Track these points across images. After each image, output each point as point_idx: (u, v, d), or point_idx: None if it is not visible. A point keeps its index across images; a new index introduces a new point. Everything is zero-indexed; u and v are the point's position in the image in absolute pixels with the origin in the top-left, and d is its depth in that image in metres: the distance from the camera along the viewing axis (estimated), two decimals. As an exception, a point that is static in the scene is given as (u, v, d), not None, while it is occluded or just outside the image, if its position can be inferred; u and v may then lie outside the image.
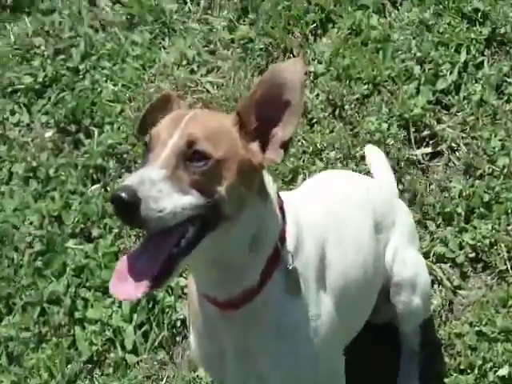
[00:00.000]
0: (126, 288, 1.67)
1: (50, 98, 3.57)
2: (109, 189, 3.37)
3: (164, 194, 1.63)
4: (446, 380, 2.69)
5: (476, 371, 2.66)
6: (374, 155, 2.99)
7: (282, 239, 1.93)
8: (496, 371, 2.64)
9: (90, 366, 2.93)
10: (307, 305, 2.02)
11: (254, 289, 1.88)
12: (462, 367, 2.70)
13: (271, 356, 2.02)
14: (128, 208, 1.57)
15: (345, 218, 2.32)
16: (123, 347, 2.94)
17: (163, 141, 1.71)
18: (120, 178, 3.40)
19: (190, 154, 1.68)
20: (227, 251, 1.83)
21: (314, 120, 3.26)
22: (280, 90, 1.74)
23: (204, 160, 1.68)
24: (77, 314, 3.03)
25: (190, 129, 1.72)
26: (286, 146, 1.78)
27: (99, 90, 3.53)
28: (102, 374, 2.91)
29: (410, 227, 2.71)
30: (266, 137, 1.80)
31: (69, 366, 2.93)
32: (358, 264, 2.28)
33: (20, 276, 3.24)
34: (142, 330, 2.95)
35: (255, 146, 1.80)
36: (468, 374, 2.67)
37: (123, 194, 1.56)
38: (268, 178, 1.93)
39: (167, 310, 2.98)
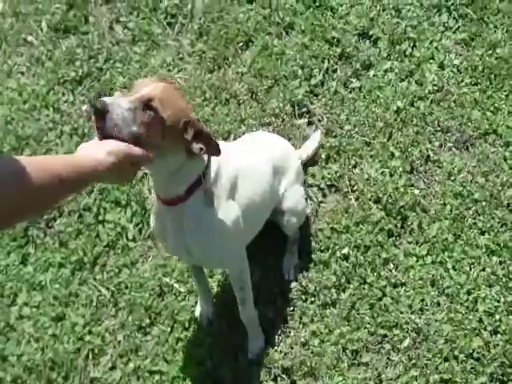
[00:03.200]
0: None
1: (85, 85, 3.87)
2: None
3: (124, 118, 1.82)
4: (312, 256, 3.10)
5: (330, 250, 3.08)
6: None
7: (206, 172, 2.23)
8: (341, 250, 3.08)
9: (107, 248, 3.31)
10: (218, 212, 2.32)
11: (182, 197, 2.21)
12: (322, 248, 3.11)
13: (193, 238, 2.33)
14: (98, 112, 1.78)
15: (253, 168, 2.60)
16: (127, 238, 3.32)
17: (137, 90, 1.93)
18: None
19: (147, 105, 1.89)
20: (162, 173, 2.13)
21: (241, 100, 3.60)
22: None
23: (154, 112, 1.90)
24: (100, 217, 3.40)
25: (155, 92, 1.92)
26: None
27: (114, 81, 3.81)
28: (114, 254, 3.29)
29: (298, 170, 2.98)
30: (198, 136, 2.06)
31: (95, 248, 3.31)
32: (259, 191, 2.60)
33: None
34: (138, 227, 3.35)
35: (191, 132, 2.04)
36: (325, 252, 3.11)
37: (98, 104, 1.78)
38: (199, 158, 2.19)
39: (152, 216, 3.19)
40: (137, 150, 1.81)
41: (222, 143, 2.20)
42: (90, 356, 3.10)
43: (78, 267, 3.31)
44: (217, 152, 2.14)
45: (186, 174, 2.17)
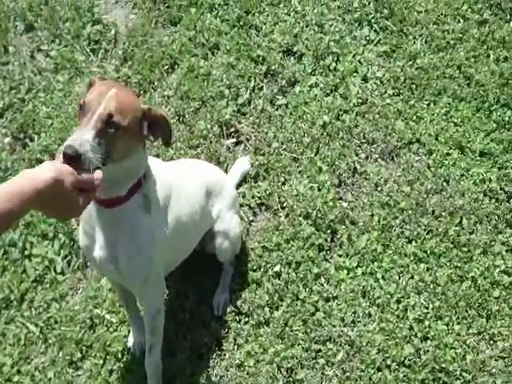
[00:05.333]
0: None
1: (7, 118, 3.82)
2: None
3: (93, 149, 1.85)
4: (245, 276, 3.07)
5: (262, 269, 3.08)
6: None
7: (147, 175, 2.25)
8: (272, 268, 3.07)
9: (35, 284, 3.25)
10: (153, 221, 2.32)
11: (121, 198, 2.18)
12: (254, 268, 3.10)
13: (123, 245, 2.29)
14: (73, 159, 1.78)
15: (185, 186, 2.61)
16: (55, 271, 3.26)
17: (94, 110, 1.92)
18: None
19: (109, 122, 1.93)
20: (115, 174, 2.10)
21: (167, 123, 3.68)
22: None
23: (116, 127, 1.94)
24: (26, 252, 3.33)
25: (111, 105, 1.94)
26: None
27: (38, 111, 3.76)
28: (42, 289, 3.23)
29: (233, 197, 3.00)
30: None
31: (22, 284, 3.24)
32: (188, 213, 2.60)
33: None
34: (67, 259, 3.28)
35: (146, 125, 2.09)
36: (257, 271, 3.10)
37: (69, 151, 1.79)
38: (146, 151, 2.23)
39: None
40: (83, 176, 1.79)
41: (157, 160, 2.30)
42: (20, 397, 2.99)
43: (5, 305, 3.22)
44: (170, 136, 2.21)
45: (130, 174, 2.18)
